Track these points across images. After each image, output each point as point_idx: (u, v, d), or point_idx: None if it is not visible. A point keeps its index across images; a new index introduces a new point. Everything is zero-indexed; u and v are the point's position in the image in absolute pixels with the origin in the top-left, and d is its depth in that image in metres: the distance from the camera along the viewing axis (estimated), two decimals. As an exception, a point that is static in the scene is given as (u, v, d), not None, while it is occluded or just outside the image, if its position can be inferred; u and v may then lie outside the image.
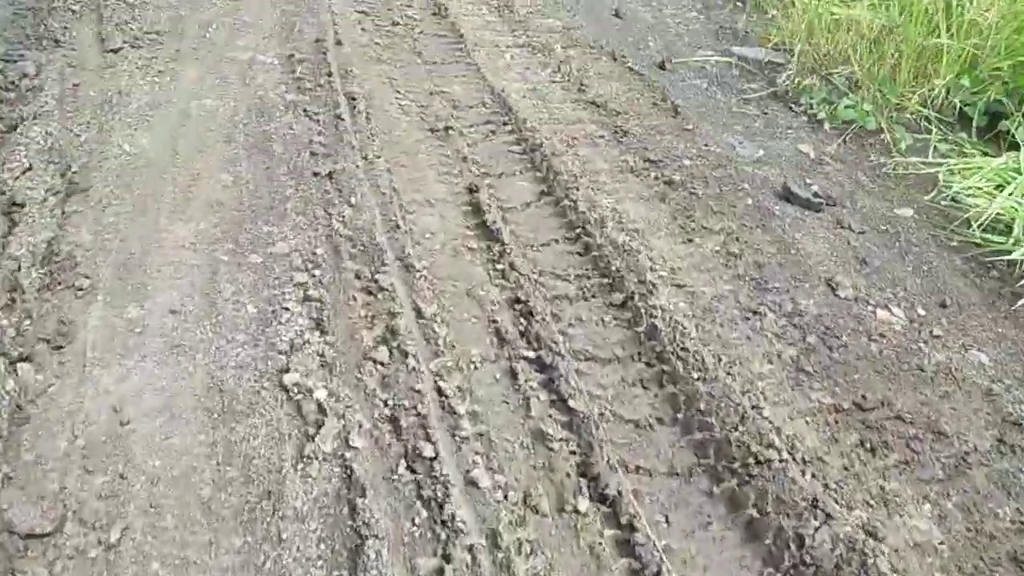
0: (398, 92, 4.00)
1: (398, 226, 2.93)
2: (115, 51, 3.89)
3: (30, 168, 2.77)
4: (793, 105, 4.46)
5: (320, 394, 2.14)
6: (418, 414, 2.12)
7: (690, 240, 3.12)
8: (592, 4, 5.65)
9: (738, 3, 5.92)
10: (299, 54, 4.19)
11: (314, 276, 2.61)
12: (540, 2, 5.55)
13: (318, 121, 3.55)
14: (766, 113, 4.37)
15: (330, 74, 3.96)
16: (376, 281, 2.60)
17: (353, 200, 3.01)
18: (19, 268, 2.30)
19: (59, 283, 2.37)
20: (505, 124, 3.84)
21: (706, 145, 3.86)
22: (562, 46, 4.88)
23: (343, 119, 3.56)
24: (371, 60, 4.29)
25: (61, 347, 2.18)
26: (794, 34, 4.97)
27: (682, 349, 2.46)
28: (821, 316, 2.78)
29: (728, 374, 2.41)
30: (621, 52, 4.87)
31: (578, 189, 3.28)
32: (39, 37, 3.96)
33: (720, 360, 2.48)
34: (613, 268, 2.83)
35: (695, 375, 2.37)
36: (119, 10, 4.41)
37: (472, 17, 5.12)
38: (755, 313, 2.75)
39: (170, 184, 2.98)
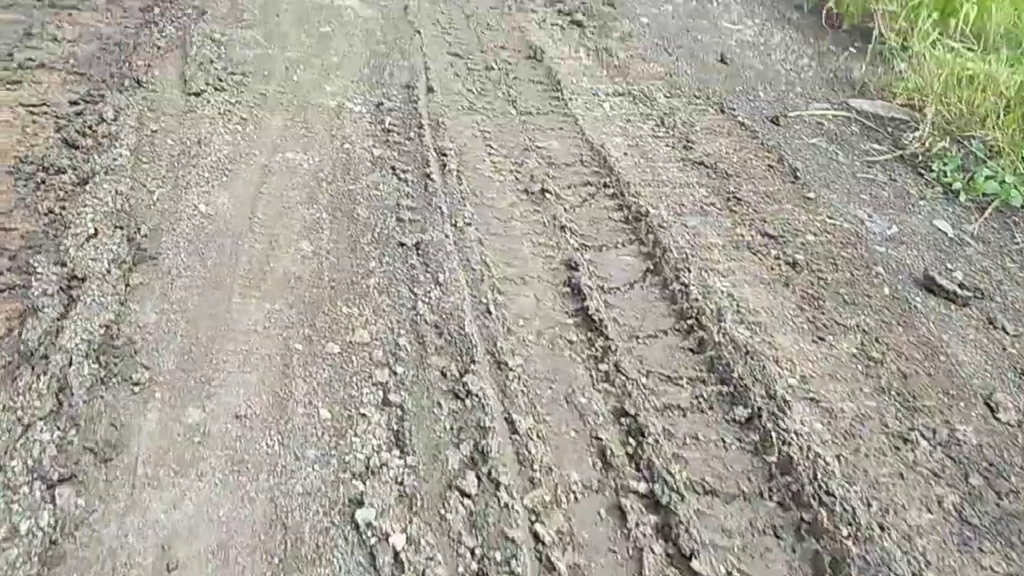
0: (491, 146, 3.70)
1: (489, 311, 2.61)
2: (197, 94, 3.69)
3: (95, 234, 2.55)
4: (924, 171, 4.00)
5: (397, 540, 1.81)
6: (511, 572, 1.78)
7: (821, 339, 2.71)
8: (695, 48, 5.28)
9: (851, 49, 5.47)
10: (388, 102, 3.93)
11: (396, 374, 2.30)
12: (639, 45, 5.21)
13: (406, 181, 3.26)
14: (895, 180, 3.91)
15: (420, 126, 3.69)
16: (464, 384, 2.28)
17: (441, 278, 2.71)
18: (70, 363, 2.04)
19: (114, 376, 2.12)
20: (606, 186, 3.50)
21: (831, 218, 3.44)
22: (665, 95, 4.52)
23: (433, 179, 3.27)
24: (463, 110, 4.01)
25: (109, 460, 1.91)
26: (924, 90, 4.50)
27: (825, 492, 2.06)
28: (982, 447, 2.35)
29: (882, 527, 2.00)
30: (729, 103, 4.49)
31: (689, 270, 2.91)
32: (122, 76, 3.79)
33: (870, 507, 2.07)
34: (734, 374, 2.45)
35: (843, 530, 1.96)
36: (205, 47, 4.23)
37: (568, 61, 4.80)
38: (905, 441, 2.32)
39: (245, 253, 2.72)
